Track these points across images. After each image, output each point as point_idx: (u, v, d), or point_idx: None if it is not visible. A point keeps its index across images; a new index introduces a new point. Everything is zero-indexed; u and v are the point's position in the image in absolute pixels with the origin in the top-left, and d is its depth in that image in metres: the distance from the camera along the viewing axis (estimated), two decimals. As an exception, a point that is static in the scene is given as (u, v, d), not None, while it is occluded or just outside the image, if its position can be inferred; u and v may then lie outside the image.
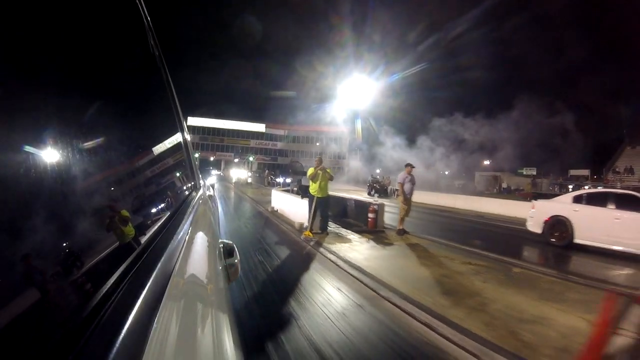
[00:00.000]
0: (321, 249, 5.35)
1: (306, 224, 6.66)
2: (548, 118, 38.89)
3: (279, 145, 59.54)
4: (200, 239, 1.02)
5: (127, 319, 0.35)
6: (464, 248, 5.93)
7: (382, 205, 7.39)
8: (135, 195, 0.81)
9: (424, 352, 2.39)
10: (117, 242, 0.54)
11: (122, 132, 0.70)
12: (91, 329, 0.31)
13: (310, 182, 6.50)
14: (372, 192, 20.83)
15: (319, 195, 6.38)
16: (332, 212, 8.81)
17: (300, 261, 4.77)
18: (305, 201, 6.95)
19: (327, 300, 3.30)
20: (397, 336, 2.59)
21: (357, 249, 5.50)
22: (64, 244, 0.38)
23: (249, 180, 33.99)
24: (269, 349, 2.31)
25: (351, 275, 4.11)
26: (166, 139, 1.34)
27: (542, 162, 47.74)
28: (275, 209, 10.21)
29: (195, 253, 0.82)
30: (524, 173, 50.58)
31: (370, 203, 7.40)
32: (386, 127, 44.26)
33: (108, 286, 0.41)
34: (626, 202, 6.15)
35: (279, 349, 2.31)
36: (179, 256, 0.65)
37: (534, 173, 51.97)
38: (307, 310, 3.02)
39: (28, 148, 0.32)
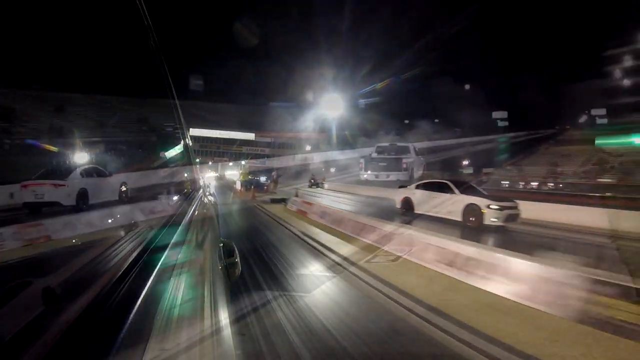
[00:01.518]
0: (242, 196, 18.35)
1: (240, 188, 19.75)
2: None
3: (267, 150, 70.76)
4: (201, 236, 1.37)
5: (129, 316, 0.51)
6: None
7: (270, 184, 20.30)
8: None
9: (250, 207, 15.50)
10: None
11: (129, 135, 3.45)
12: (92, 327, 0.47)
13: (241, 176, 19.70)
14: (311, 185, 28.90)
15: (242, 180, 19.62)
16: (256, 187, 21.94)
17: (231, 193, 18.08)
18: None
19: (230, 197, 16.53)
20: (244, 206, 15.74)
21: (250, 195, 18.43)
22: (73, 241, 1.27)
23: (241, 180, 46.57)
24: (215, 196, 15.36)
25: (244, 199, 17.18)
26: (169, 140, 4.59)
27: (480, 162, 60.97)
28: (237, 187, 23.38)
29: (196, 251, 1.12)
30: (463, 172, 62.93)
31: (264, 183, 20.33)
32: (354, 134, 55.99)
33: (111, 282, 0.63)
34: (441, 187, 9.08)
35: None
36: (180, 253, 1.00)
37: (471, 171, 64.73)
38: (225, 196, 16.45)
39: (31, 142, 2.45)
